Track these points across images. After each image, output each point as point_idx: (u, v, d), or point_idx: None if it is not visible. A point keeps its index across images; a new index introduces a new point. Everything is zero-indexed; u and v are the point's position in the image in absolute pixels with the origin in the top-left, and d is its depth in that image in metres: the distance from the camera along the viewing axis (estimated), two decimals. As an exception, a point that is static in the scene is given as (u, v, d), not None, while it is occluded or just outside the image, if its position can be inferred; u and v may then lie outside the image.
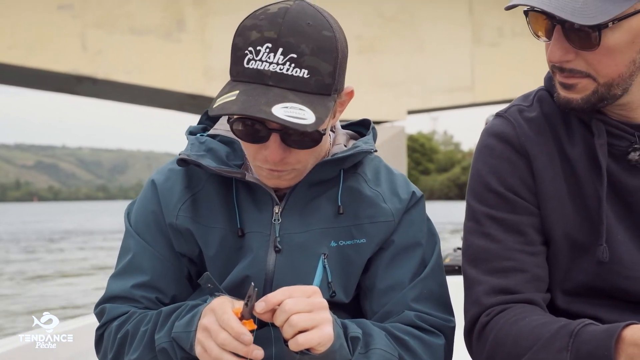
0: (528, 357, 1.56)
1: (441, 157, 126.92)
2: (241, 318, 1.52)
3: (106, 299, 1.86)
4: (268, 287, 1.79)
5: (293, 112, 1.57)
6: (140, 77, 26.07)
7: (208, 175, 1.84)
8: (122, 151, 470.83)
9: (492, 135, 1.80)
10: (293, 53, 1.59)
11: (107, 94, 31.14)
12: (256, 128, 1.66)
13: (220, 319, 1.52)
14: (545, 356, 1.53)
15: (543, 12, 1.61)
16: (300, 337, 1.50)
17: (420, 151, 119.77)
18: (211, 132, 1.90)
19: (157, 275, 1.84)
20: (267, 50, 1.60)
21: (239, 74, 1.64)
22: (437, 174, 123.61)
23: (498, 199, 1.75)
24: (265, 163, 1.70)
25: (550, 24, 1.63)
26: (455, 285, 2.01)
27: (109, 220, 51.12)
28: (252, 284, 1.53)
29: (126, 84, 26.37)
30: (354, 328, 1.67)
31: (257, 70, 1.60)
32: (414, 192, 1.90)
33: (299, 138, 1.67)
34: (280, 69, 1.59)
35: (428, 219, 1.93)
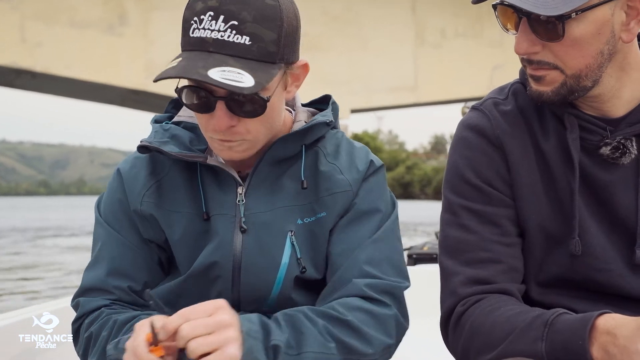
0: (503, 347, 1.57)
1: (386, 156, 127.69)
2: (152, 344, 1.49)
3: (81, 292, 1.86)
4: (237, 269, 1.81)
5: (230, 75, 1.58)
6: (80, 72, 25.57)
7: (172, 161, 1.87)
8: (64, 146, 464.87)
9: (468, 128, 1.83)
10: (234, 20, 1.61)
11: (46, 88, 30.54)
12: (202, 96, 1.67)
13: (132, 346, 1.51)
14: (521, 346, 1.54)
15: (508, 5, 1.63)
16: None
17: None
18: (175, 119, 1.94)
19: (127, 263, 1.86)
20: (210, 18, 1.62)
21: (185, 44, 1.67)
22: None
23: (474, 190, 1.77)
24: (215, 133, 1.72)
25: (517, 17, 1.65)
26: (433, 274, 1.99)
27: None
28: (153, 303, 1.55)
29: (66, 78, 25.80)
30: (277, 335, 1.63)
31: (200, 38, 1.63)
32: (372, 161, 1.91)
33: (245, 106, 1.68)
34: (221, 36, 1.61)
35: (388, 189, 1.94)
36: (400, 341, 1.82)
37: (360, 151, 1.93)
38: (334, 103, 1.97)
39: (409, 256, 5.45)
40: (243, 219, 1.81)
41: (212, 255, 1.81)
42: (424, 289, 1.91)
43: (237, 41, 1.61)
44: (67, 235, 30.72)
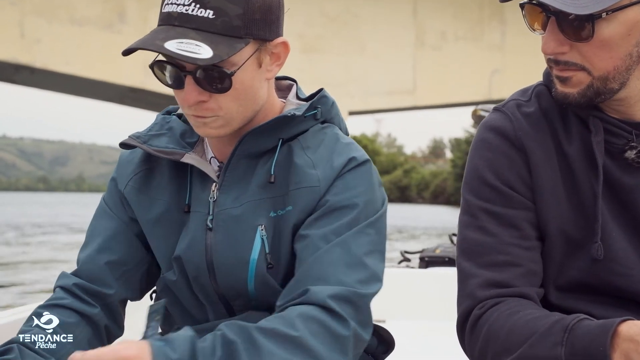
0: (522, 351, 1.55)
1: (384, 159, 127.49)
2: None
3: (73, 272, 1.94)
4: (210, 267, 1.81)
5: (187, 47, 1.61)
6: (79, 68, 25.55)
7: None
8: (64, 143, 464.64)
9: (490, 129, 1.80)
10: None
11: (45, 84, 30.44)
12: (173, 71, 1.70)
13: None
14: (540, 350, 1.52)
15: (537, 4, 1.61)
16: None
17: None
18: (179, 111, 1.98)
19: (109, 235, 1.93)
20: None
21: (158, 20, 1.70)
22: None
23: (494, 192, 1.74)
24: (188, 108, 1.74)
25: (545, 17, 1.62)
26: (445, 277, 2.06)
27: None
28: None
29: (65, 75, 25.80)
30: None
31: (168, 13, 1.66)
32: (353, 157, 1.81)
33: (212, 81, 1.68)
34: (185, 10, 1.64)
35: (377, 186, 1.84)
36: (358, 355, 1.72)
37: (343, 146, 1.85)
38: (324, 97, 1.92)
39: (421, 259, 5.38)
40: (210, 217, 1.81)
41: (185, 253, 1.83)
42: (436, 292, 1.89)
43: (201, 15, 1.63)
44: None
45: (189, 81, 1.69)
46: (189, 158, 1.84)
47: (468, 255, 1.75)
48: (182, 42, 1.61)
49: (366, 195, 1.80)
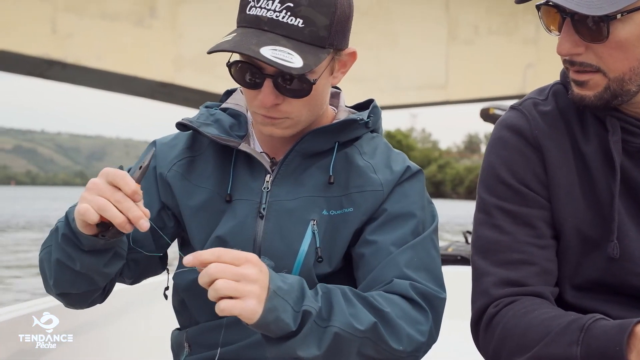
0: (537, 350, 1.56)
1: (418, 155, 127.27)
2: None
3: None
4: (257, 253, 1.78)
5: (281, 55, 1.66)
6: (110, 63, 25.87)
7: (210, 143, 1.92)
8: (101, 138, 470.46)
9: (506, 128, 1.80)
10: (290, 2, 1.69)
11: (77, 79, 30.92)
12: (252, 72, 1.74)
13: (115, 176, 1.54)
14: (555, 350, 1.53)
15: (552, 5, 1.61)
16: (222, 303, 1.48)
17: (397, 148, 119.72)
18: (223, 105, 2.00)
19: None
20: None
21: (241, 21, 1.74)
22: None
23: (509, 191, 1.75)
24: (259, 109, 1.78)
25: (560, 18, 1.62)
26: (458, 275, 2.03)
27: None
28: (155, 148, 1.59)
29: (96, 70, 26.17)
30: (311, 302, 1.60)
31: (256, 16, 1.70)
32: (408, 167, 1.91)
33: (291, 86, 1.74)
34: (276, 16, 1.68)
35: (429, 199, 1.94)
36: (427, 350, 1.78)
37: (397, 155, 1.95)
38: (375, 107, 1.98)
39: None
40: (264, 206, 1.84)
41: (233, 236, 1.83)
42: (448, 291, 1.91)
43: (291, 23, 1.68)
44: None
45: (267, 84, 1.73)
46: (246, 147, 1.88)
47: (483, 253, 1.75)
48: (275, 50, 1.66)
49: (420, 205, 1.88)
